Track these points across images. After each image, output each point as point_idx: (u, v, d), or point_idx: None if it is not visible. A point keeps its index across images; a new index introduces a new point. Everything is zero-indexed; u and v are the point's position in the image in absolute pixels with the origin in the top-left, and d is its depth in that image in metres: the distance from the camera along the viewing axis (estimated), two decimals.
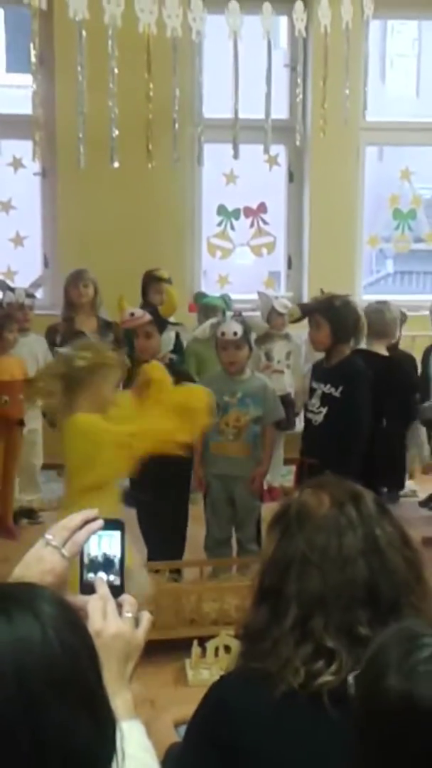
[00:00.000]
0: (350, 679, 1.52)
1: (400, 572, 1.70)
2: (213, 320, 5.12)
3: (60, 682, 1.07)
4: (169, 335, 5.14)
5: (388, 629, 1.38)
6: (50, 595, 1.17)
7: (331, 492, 1.79)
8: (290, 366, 6.50)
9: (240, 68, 5.46)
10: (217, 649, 4.25)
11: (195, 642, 4.30)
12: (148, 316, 4.93)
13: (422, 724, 1.22)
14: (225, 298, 6.56)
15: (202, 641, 4.30)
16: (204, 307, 6.31)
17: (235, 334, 4.86)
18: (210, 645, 4.27)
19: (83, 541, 1.53)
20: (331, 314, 4.84)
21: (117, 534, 1.59)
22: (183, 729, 1.99)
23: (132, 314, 4.95)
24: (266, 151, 5.98)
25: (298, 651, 1.65)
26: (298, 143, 6.30)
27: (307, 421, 5.03)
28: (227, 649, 4.13)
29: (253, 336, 5.10)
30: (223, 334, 4.88)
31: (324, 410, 4.83)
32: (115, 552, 1.58)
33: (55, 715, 1.06)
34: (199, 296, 6.62)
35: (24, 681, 1.05)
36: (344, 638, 1.64)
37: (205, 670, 4.20)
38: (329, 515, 1.74)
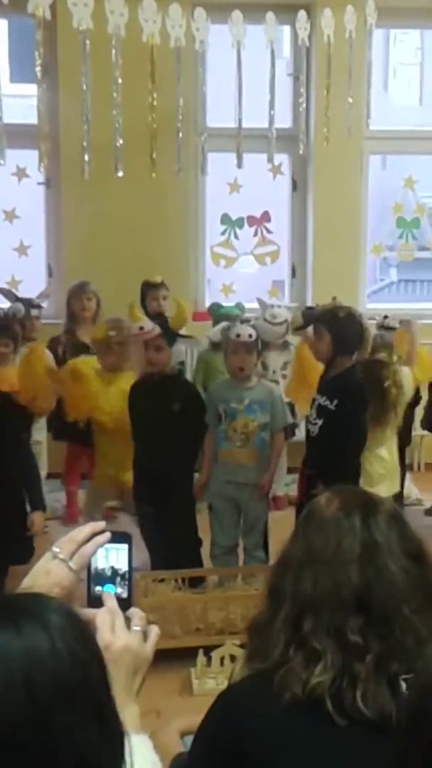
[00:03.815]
0: (403, 684, 1.53)
1: (397, 583, 1.69)
2: (224, 324, 5.11)
3: (69, 692, 1.07)
4: (179, 347, 5.13)
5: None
6: (59, 605, 1.17)
7: (343, 497, 1.80)
8: (286, 376, 6.47)
9: (243, 78, 5.47)
10: (222, 658, 4.24)
11: (200, 651, 4.29)
12: (157, 330, 4.92)
13: None
14: (239, 307, 6.54)
15: (208, 650, 4.30)
16: (222, 317, 6.25)
17: (250, 336, 4.86)
18: (215, 654, 4.26)
19: (91, 554, 1.53)
20: (334, 325, 4.82)
21: (125, 547, 1.60)
22: (188, 738, 1.98)
23: (141, 328, 4.94)
24: (270, 160, 5.99)
25: (294, 655, 1.66)
26: (301, 152, 6.31)
27: (307, 431, 5.03)
28: (233, 658, 4.12)
29: (259, 339, 5.10)
30: (238, 335, 4.87)
31: (319, 422, 4.82)
32: (122, 565, 1.59)
33: (64, 726, 1.05)
34: (215, 307, 6.58)
35: (33, 692, 1.05)
36: (332, 641, 1.65)
37: (211, 680, 4.19)
38: (332, 518, 1.75)
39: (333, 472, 4.28)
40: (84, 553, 1.51)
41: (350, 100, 6.03)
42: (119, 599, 1.56)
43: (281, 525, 5.07)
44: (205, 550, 5.10)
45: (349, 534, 1.72)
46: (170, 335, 4.97)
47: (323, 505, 1.79)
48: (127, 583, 1.59)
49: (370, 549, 1.71)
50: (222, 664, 4.22)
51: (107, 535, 1.55)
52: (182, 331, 5.19)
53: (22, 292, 6.53)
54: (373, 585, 1.68)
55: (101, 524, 1.56)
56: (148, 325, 4.96)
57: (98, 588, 1.57)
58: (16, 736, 1.03)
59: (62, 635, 1.10)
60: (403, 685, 1.59)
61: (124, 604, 1.57)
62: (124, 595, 1.58)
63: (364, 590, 1.67)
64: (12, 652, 1.06)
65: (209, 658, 4.27)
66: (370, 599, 1.67)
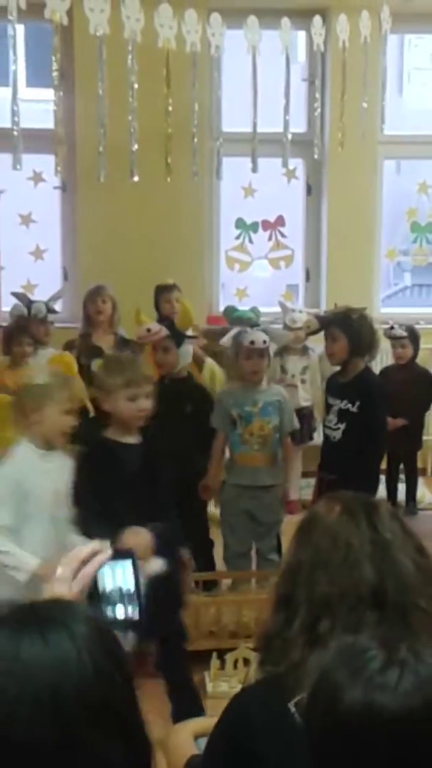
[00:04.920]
0: (292, 707, 1.53)
1: (409, 575, 1.71)
2: (235, 330, 5.11)
3: (93, 706, 1.06)
4: (188, 348, 5.14)
5: (328, 650, 1.36)
6: (86, 615, 1.15)
7: (344, 501, 1.81)
8: (305, 380, 6.47)
9: (258, 82, 5.49)
10: (236, 661, 4.24)
11: (214, 654, 4.30)
12: (164, 331, 4.94)
13: (385, 735, 1.20)
14: (255, 311, 6.56)
15: (221, 654, 4.30)
16: (237, 320, 6.26)
17: (264, 342, 4.87)
18: (229, 657, 4.27)
19: (91, 575, 1.49)
20: (349, 327, 4.85)
21: (128, 563, 1.55)
22: (202, 741, 1.99)
23: (148, 330, 4.97)
24: (284, 164, 6.00)
25: (309, 656, 1.66)
26: (316, 157, 6.32)
27: (325, 437, 5.02)
28: (246, 661, 4.13)
29: (273, 347, 5.11)
30: (252, 342, 4.87)
31: (342, 426, 4.82)
32: (128, 584, 1.54)
33: (88, 741, 1.04)
34: (230, 310, 6.60)
35: (59, 705, 1.03)
36: None
37: (224, 683, 4.19)
38: (338, 520, 1.76)
39: (359, 476, 4.30)
40: (84, 574, 1.48)
41: (365, 104, 6.04)
42: (130, 621, 1.52)
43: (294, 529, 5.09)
44: (217, 551, 5.10)
45: (357, 533, 1.74)
46: (177, 336, 4.98)
47: (325, 512, 1.80)
48: (136, 601, 1.53)
49: (381, 544, 1.73)
50: (235, 667, 4.23)
51: (108, 553, 1.51)
52: (189, 332, 5.20)
53: (38, 296, 6.55)
54: (388, 579, 1.69)
55: (104, 544, 1.54)
56: (155, 327, 4.99)
57: (109, 609, 1.52)
58: (40, 749, 1.02)
59: (88, 647, 1.08)
60: (293, 710, 1.58)
61: (136, 625, 1.53)
62: (135, 615, 1.52)
63: (380, 586, 1.69)
64: (39, 664, 1.05)
65: (223, 661, 4.28)
66: (386, 594, 1.68)
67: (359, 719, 1.21)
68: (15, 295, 6.38)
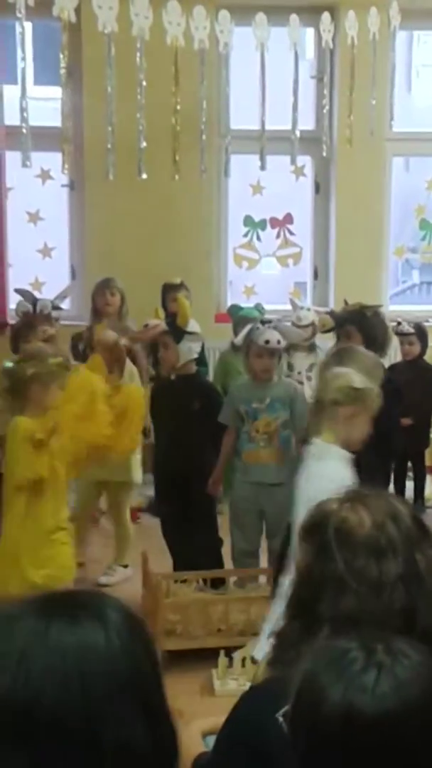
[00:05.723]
0: (280, 717, 1.52)
1: None
2: (249, 326, 5.09)
3: (120, 687, 1.09)
4: (190, 345, 5.11)
5: (310, 655, 1.34)
6: (116, 603, 1.19)
7: (371, 509, 1.77)
8: (312, 377, 6.46)
9: (267, 79, 5.49)
10: (244, 659, 4.23)
11: (222, 652, 4.29)
12: (162, 327, 4.93)
13: (364, 738, 1.21)
14: (258, 308, 6.55)
15: (229, 651, 4.30)
16: (242, 319, 6.24)
17: (279, 342, 4.85)
18: (237, 655, 4.26)
19: None
20: (364, 324, 4.84)
21: None
22: (210, 739, 1.99)
23: (146, 325, 4.99)
24: (293, 161, 6.01)
25: None
26: (324, 154, 6.32)
27: None
28: (254, 659, 4.12)
29: (284, 344, 5.09)
30: (267, 341, 4.84)
31: None
32: None
33: (113, 721, 1.07)
34: (235, 308, 6.59)
35: (87, 686, 1.07)
36: None
37: (232, 681, 4.18)
38: (370, 536, 1.72)
39: (372, 475, 4.29)
40: None
41: (373, 101, 6.04)
42: None
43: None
44: (226, 549, 5.10)
45: (389, 552, 1.69)
46: (177, 333, 4.97)
47: (355, 521, 1.74)
48: None
49: (411, 566, 1.69)
50: (243, 665, 4.22)
51: None
52: (190, 329, 5.18)
53: (46, 294, 6.55)
54: (418, 602, 1.66)
55: None
56: (153, 322, 5.00)
57: None
58: (68, 728, 1.05)
59: (118, 631, 1.12)
60: (281, 721, 1.57)
61: None
62: None
63: (409, 609, 1.65)
64: (71, 646, 1.09)
65: (231, 659, 4.28)
66: (415, 617, 1.65)
67: (339, 722, 1.22)
68: (19, 291, 6.37)
